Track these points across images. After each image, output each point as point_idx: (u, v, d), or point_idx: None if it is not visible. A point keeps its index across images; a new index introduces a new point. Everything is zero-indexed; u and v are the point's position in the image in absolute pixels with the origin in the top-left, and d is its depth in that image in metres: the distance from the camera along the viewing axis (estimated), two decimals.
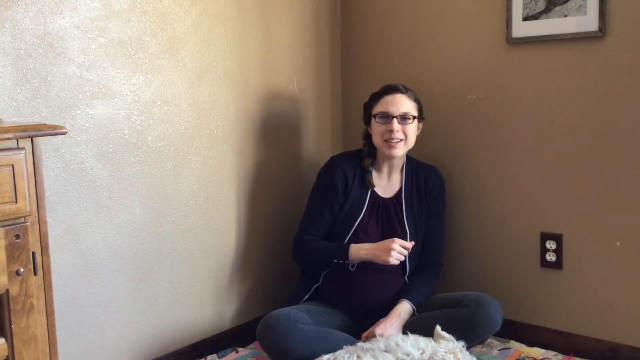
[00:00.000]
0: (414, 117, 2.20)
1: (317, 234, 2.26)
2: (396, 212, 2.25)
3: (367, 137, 2.31)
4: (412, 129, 2.20)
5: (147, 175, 2.07)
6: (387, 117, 2.18)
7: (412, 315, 2.15)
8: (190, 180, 2.20)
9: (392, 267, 2.16)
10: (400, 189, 2.28)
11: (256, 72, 2.39)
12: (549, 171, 2.26)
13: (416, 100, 2.24)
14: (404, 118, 2.18)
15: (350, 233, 2.22)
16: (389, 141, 2.17)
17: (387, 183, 2.29)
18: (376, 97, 2.25)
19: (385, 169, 2.29)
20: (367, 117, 2.28)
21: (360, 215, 2.23)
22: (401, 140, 2.18)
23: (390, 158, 2.24)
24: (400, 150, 2.20)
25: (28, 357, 1.35)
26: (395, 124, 2.16)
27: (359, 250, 2.14)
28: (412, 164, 2.33)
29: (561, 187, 2.24)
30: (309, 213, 2.29)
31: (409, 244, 2.12)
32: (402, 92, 2.21)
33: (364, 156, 2.29)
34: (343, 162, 2.28)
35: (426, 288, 2.23)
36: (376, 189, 2.27)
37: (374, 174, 2.29)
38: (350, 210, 2.24)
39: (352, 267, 2.17)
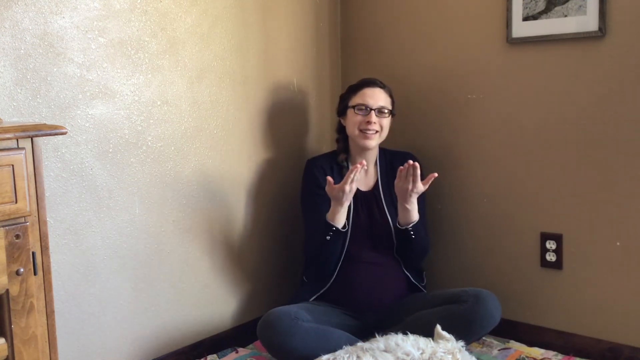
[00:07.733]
0: (389, 112, 2.28)
1: None
2: (377, 203, 2.29)
3: (341, 130, 2.37)
4: (387, 122, 2.28)
5: (147, 175, 2.07)
6: (366, 108, 2.24)
7: (409, 230, 2.16)
8: (190, 180, 2.20)
9: (388, 259, 2.22)
10: (377, 180, 2.33)
11: (256, 72, 2.39)
12: (549, 171, 2.26)
13: (391, 96, 2.32)
14: (380, 111, 2.25)
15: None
16: (364, 132, 2.24)
17: (364, 177, 2.33)
18: (355, 89, 2.31)
19: None
20: (343, 107, 2.33)
21: (350, 210, 2.24)
22: (377, 132, 2.25)
23: (364, 149, 2.28)
24: (375, 142, 2.27)
25: (28, 357, 1.35)
26: (373, 116, 2.24)
27: (332, 214, 2.12)
28: (386, 155, 2.38)
29: (561, 187, 2.24)
30: (310, 220, 2.29)
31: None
32: (381, 87, 2.30)
33: (338, 152, 2.36)
34: (319, 160, 2.35)
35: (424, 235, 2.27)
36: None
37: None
38: None
39: (344, 228, 2.16)
